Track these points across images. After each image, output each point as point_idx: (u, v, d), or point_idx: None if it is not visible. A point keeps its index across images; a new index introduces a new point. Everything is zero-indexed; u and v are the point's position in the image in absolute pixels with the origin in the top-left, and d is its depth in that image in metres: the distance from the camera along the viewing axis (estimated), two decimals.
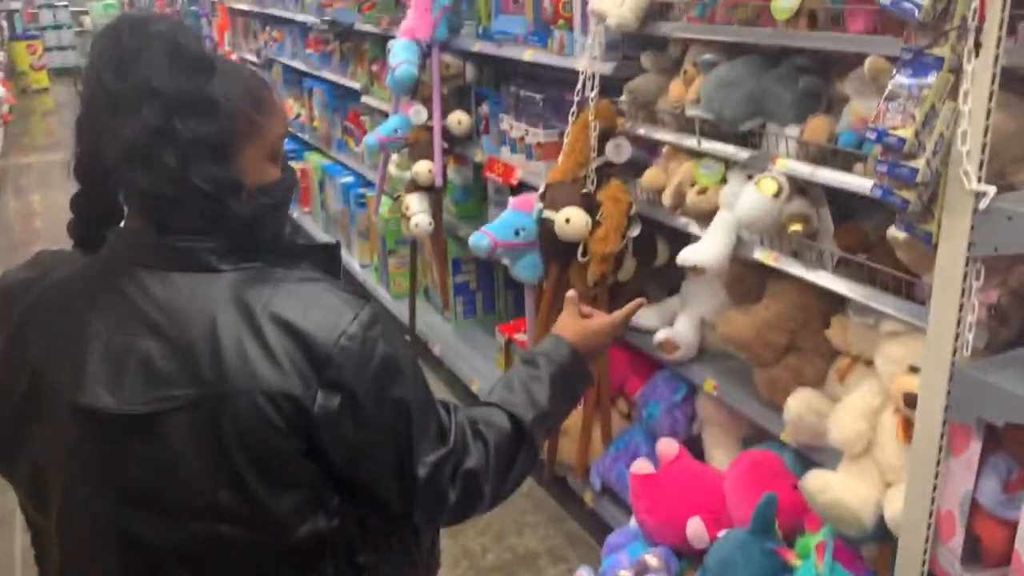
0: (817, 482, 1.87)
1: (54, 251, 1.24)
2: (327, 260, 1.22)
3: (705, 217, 2.25)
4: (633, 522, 2.44)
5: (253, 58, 6.63)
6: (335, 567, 1.14)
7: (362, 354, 1.06)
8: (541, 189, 2.57)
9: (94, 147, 1.09)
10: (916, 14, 1.38)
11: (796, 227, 2.03)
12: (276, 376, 1.03)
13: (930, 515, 1.61)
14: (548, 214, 2.48)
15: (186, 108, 1.04)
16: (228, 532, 1.06)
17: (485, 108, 3.47)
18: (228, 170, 1.07)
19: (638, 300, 1.49)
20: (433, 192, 3.55)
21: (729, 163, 2.24)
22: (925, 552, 1.63)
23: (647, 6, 2.34)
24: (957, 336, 1.49)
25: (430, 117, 3.45)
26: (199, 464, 1.04)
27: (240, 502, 1.05)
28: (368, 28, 4.14)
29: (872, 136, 1.48)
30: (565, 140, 2.61)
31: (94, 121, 1.08)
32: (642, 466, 2.36)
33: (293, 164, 4.73)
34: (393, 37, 3.51)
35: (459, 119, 3.48)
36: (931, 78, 1.40)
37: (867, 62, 1.75)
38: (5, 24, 13.48)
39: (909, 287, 1.80)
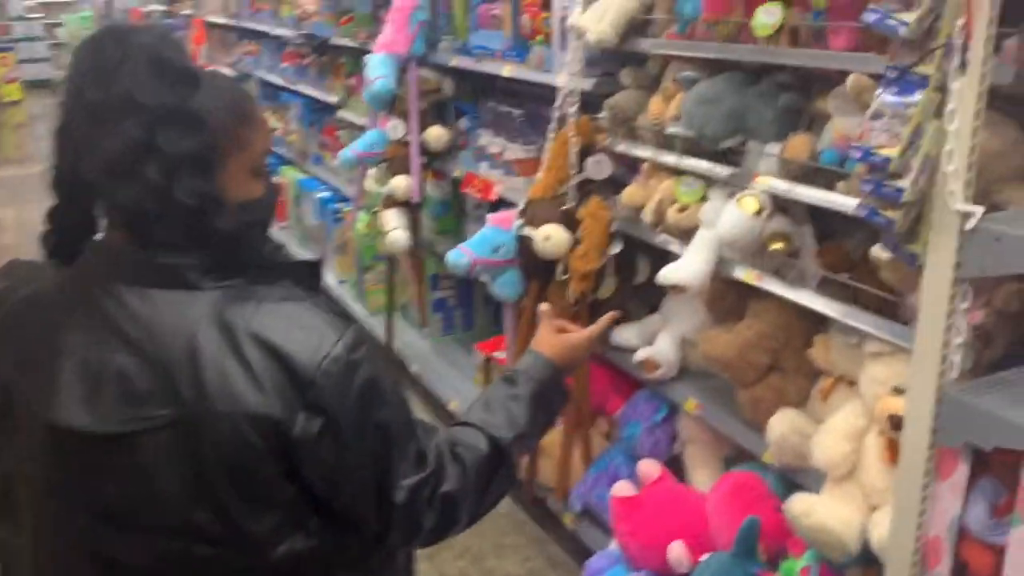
0: (801, 505, 1.83)
1: (26, 261, 1.22)
2: (308, 277, 1.20)
3: (686, 235, 2.23)
4: (614, 545, 2.39)
5: (229, 72, 6.56)
6: None
7: (345, 378, 1.05)
8: (521, 206, 2.54)
9: (73, 159, 1.06)
10: (902, 32, 1.36)
11: (778, 245, 2.01)
12: (257, 398, 1.01)
13: (917, 540, 1.58)
14: (528, 231, 2.44)
15: (170, 121, 1.02)
16: (204, 552, 1.05)
17: (463, 123, 3.44)
18: (212, 185, 1.05)
19: (612, 313, 1.51)
20: (411, 208, 3.51)
21: (710, 180, 2.22)
22: None
23: (627, 22, 2.32)
24: (944, 359, 1.47)
25: (407, 132, 3.41)
26: (176, 484, 1.03)
27: (217, 522, 1.04)
28: (345, 42, 4.11)
29: (857, 155, 1.46)
30: (544, 156, 2.58)
31: (73, 133, 1.06)
32: (623, 488, 2.31)
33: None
34: (370, 51, 3.48)
35: (437, 134, 3.44)
36: (917, 96, 1.38)
37: (849, 79, 1.73)
38: None
39: (893, 307, 1.77)
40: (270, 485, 1.05)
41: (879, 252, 1.62)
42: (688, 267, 2.13)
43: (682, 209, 2.23)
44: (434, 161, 3.54)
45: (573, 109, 2.47)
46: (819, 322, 2.06)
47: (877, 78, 1.57)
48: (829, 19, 1.79)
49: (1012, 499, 1.47)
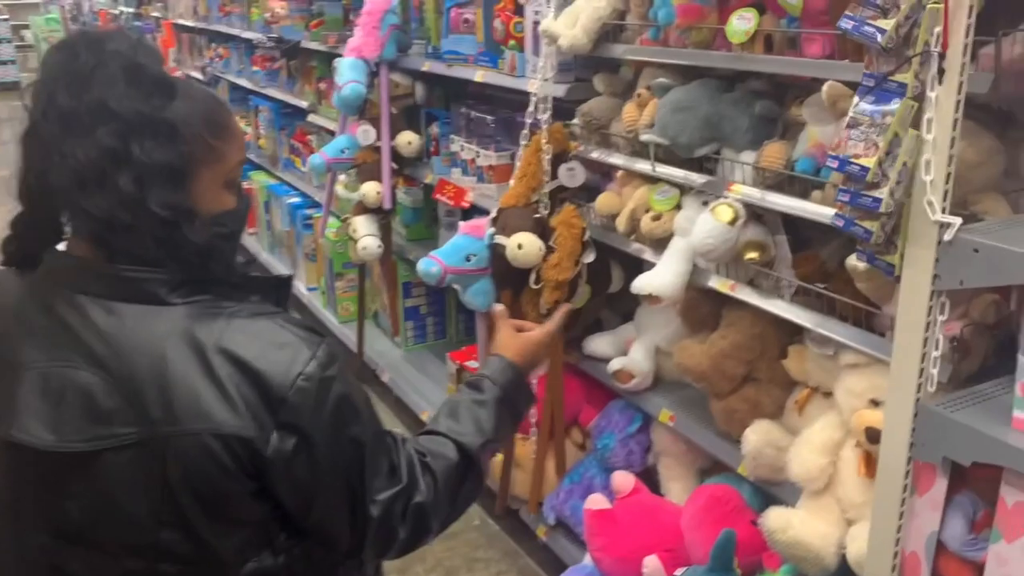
0: (777, 520, 1.80)
1: None
2: (277, 292, 1.18)
3: (660, 243, 2.20)
4: (588, 559, 2.35)
5: (198, 75, 6.48)
6: None
7: (319, 395, 1.04)
8: (493, 214, 2.49)
9: (41, 166, 1.03)
10: (878, 39, 1.33)
11: (752, 255, 1.98)
12: (228, 417, 0.99)
13: (895, 556, 1.56)
14: (500, 239, 2.40)
15: (144, 131, 1.01)
16: (169, 570, 1.04)
17: (435, 129, 3.39)
18: (185, 197, 1.03)
19: (566, 306, 1.55)
20: (382, 214, 3.46)
21: (684, 189, 2.19)
22: None
23: (600, 27, 2.28)
24: (922, 372, 1.44)
25: (378, 137, 3.36)
26: (141, 503, 1.01)
27: (183, 541, 1.02)
28: (315, 46, 4.05)
29: (834, 164, 1.43)
30: (517, 163, 2.54)
31: (42, 139, 1.03)
32: (597, 502, 2.27)
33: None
34: (341, 55, 3.42)
35: (408, 140, 3.39)
36: (894, 105, 1.36)
37: (825, 87, 1.71)
38: None
39: (869, 318, 1.75)
40: (239, 504, 1.03)
41: (855, 262, 1.59)
42: (663, 276, 2.10)
43: (656, 217, 2.20)
44: (405, 167, 3.49)
45: (546, 116, 2.43)
46: (795, 332, 2.03)
47: (852, 86, 1.54)
48: (804, 26, 1.77)
49: (990, 514, 1.45)
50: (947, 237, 1.35)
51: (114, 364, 1.00)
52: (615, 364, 2.42)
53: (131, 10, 8.74)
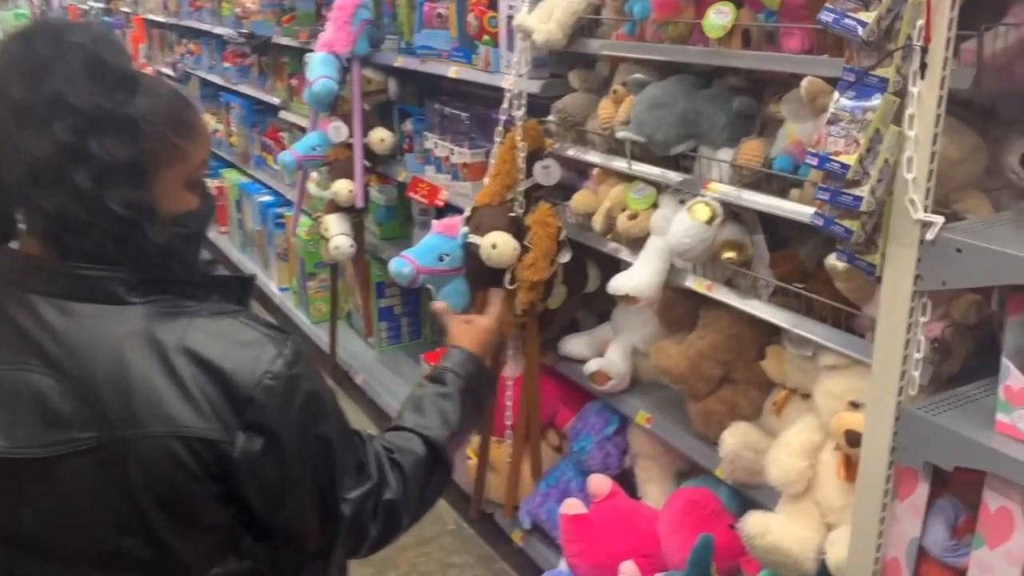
0: (756, 525, 1.76)
1: None
2: (239, 292, 1.15)
3: (637, 243, 2.15)
4: (564, 564, 2.31)
5: (169, 71, 6.38)
6: None
7: (286, 394, 1.01)
8: (467, 212, 2.44)
9: None
10: (860, 32, 1.29)
11: (730, 254, 1.94)
12: (192, 418, 0.97)
13: (875, 562, 1.53)
14: (474, 239, 2.34)
15: (103, 127, 0.97)
16: None
17: (409, 125, 3.33)
18: (145, 195, 1.00)
19: (497, 290, 1.67)
20: (354, 213, 3.39)
21: (661, 187, 2.15)
22: None
23: (575, 22, 2.24)
24: (903, 375, 1.41)
25: (350, 134, 3.29)
26: (101, 510, 0.98)
27: (145, 548, 1.00)
28: (287, 41, 3.98)
29: (813, 162, 1.39)
30: (491, 160, 2.49)
31: None
32: (573, 506, 2.23)
33: (209, 181, 4.52)
34: (313, 50, 3.35)
35: (381, 136, 3.32)
36: (875, 100, 1.32)
37: (804, 83, 1.67)
38: None
39: (848, 318, 1.72)
40: (204, 508, 1.01)
41: (835, 262, 1.56)
42: (639, 277, 2.06)
43: (632, 216, 2.16)
44: (378, 164, 3.43)
45: (521, 112, 2.38)
46: (773, 333, 2.00)
47: (831, 82, 1.51)
48: (782, 20, 1.73)
49: (972, 519, 1.42)
50: (929, 236, 1.32)
51: (69, 365, 0.97)
52: (592, 365, 2.38)
53: (101, 5, 8.60)
